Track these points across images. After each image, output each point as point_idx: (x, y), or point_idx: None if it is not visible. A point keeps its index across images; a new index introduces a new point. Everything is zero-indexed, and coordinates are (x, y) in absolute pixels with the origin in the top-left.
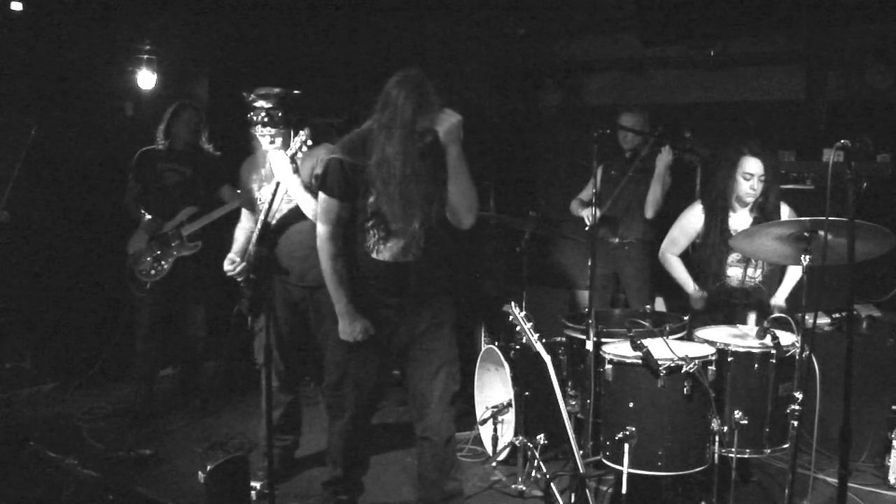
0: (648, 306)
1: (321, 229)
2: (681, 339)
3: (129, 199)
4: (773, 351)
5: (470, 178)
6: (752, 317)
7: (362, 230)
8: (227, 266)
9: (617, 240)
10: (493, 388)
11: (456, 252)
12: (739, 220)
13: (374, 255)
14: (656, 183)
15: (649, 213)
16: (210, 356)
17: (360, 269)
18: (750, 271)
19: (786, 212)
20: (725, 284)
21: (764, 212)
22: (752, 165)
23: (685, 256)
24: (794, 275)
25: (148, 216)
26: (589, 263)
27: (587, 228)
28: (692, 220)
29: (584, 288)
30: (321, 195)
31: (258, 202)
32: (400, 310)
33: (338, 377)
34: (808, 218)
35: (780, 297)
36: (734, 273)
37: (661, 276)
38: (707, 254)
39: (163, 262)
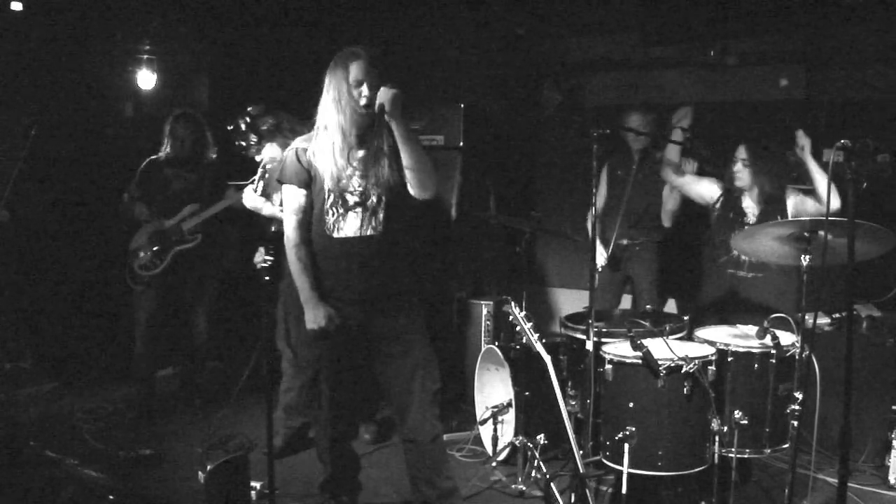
0: (649, 306)
1: (287, 219)
2: (681, 338)
3: (127, 202)
4: (773, 351)
5: (421, 147)
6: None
7: (321, 217)
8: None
9: (626, 241)
10: (493, 388)
11: (419, 233)
12: (749, 203)
13: (334, 235)
14: (674, 193)
15: (667, 222)
16: (212, 356)
17: (325, 255)
18: None
19: (790, 202)
20: (734, 257)
21: (765, 199)
22: (739, 151)
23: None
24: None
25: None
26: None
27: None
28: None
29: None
30: (283, 187)
31: None
32: (366, 303)
33: (311, 374)
34: (808, 218)
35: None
36: None
37: (672, 278)
38: (720, 224)
39: (162, 257)
